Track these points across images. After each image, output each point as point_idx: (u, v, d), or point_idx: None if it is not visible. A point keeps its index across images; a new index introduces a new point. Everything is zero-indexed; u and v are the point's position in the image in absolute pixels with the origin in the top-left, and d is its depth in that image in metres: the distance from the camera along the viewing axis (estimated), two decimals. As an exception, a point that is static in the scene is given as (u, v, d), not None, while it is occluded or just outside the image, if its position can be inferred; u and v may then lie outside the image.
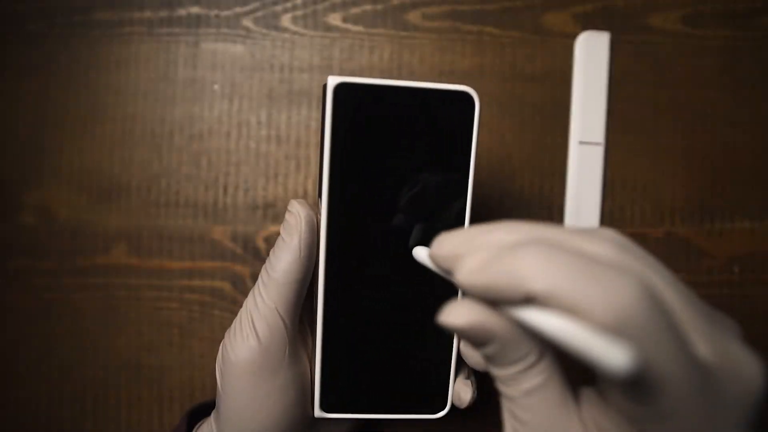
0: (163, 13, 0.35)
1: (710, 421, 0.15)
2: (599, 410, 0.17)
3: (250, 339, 0.24)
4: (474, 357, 0.26)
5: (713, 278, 0.36)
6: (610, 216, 0.36)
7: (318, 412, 0.26)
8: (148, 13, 0.35)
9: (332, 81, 0.23)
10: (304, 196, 0.35)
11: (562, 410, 0.17)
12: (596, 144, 0.36)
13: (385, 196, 0.24)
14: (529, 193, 0.36)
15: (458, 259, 0.17)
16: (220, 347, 0.26)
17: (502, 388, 0.18)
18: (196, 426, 0.29)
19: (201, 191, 0.35)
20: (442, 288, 0.25)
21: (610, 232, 0.17)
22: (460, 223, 0.25)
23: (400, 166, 0.24)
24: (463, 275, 0.17)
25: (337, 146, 0.24)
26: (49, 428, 0.35)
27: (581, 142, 0.35)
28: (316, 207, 0.26)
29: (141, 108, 0.35)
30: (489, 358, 0.18)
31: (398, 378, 0.27)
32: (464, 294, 0.21)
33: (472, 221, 0.36)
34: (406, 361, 0.26)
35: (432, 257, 0.19)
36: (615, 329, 0.14)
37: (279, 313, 0.25)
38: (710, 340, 0.16)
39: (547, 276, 0.15)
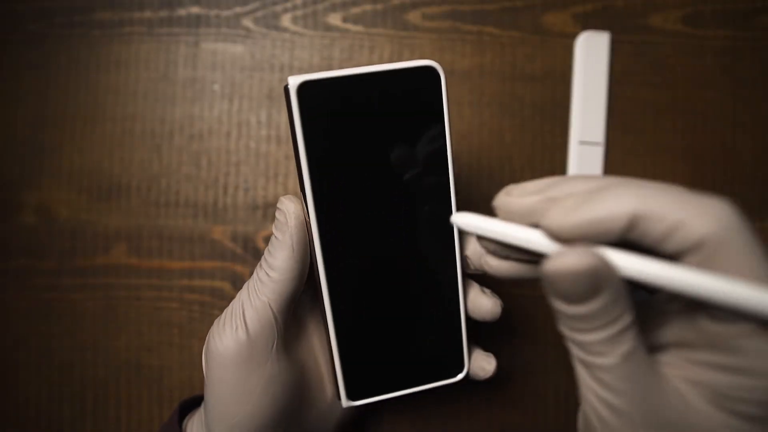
0: (163, 13, 0.35)
1: None
2: (685, 363, 0.17)
3: (239, 331, 0.25)
4: (484, 306, 0.27)
5: (713, 278, 0.36)
6: (610, 216, 0.36)
7: (345, 402, 0.27)
8: (148, 13, 0.35)
9: (293, 81, 0.22)
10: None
11: (655, 372, 0.17)
12: (596, 144, 0.36)
13: (367, 182, 0.25)
14: (529, 193, 0.36)
15: (544, 208, 0.18)
16: (207, 336, 0.26)
17: (590, 358, 0.17)
18: (187, 417, 0.29)
19: (201, 191, 0.35)
20: (438, 254, 0.26)
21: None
22: (445, 198, 0.26)
23: (377, 150, 0.24)
24: (558, 217, 0.17)
25: (311, 143, 0.24)
26: (49, 428, 0.35)
27: (581, 142, 0.35)
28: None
29: (141, 108, 0.35)
30: (585, 320, 0.16)
31: (414, 351, 0.27)
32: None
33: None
34: (418, 332, 0.27)
35: (504, 211, 0.19)
36: (716, 238, 0.15)
37: (271, 309, 0.25)
38: None
39: (647, 199, 0.16)
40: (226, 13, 0.35)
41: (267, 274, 0.25)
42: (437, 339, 0.27)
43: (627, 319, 0.16)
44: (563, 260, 0.16)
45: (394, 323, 0.27)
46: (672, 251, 0.16)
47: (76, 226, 0.35)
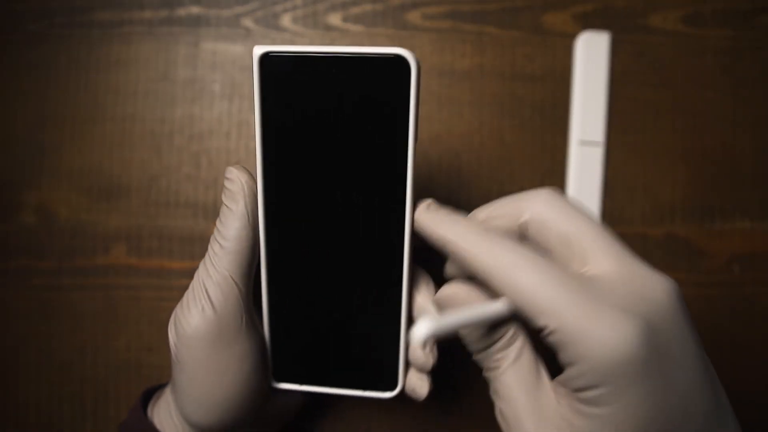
0: (163, 13, 0.35)
1: (591, 307, 0.18)
2: (562, 378, 0.20)
3: (206, 309, 0.24)
4: (416, 358, 0.26)
5: (713, 278, 0.36)
6: (610, 216, 0.36)
7: (273, 382, 0.26)
8: (148, 13, 0.35)
9: (258, 50, 0.22)
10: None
11: (535, 383, 0.20)
12: (596, 144, 0.36)
13: (319, 166, 0.24)
14: (529, 193, 0.36)
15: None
16: (172, 320, 0.25)
17: (487, 373, 0.22)
18: (151, 401, 0.29)
19: (201, 191, 0.35)
20: (386, 257, 0.25)
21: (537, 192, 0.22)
22: (399, 198, 0.24)
23: (334, 135, 0.23)
24: (420, 216, 0.24)
25: (268, 117, 0.23)
26: (49, 428, 0.35)
27: (581, 142, 0.35)
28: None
29: (141, 108, 0.35)
30: (477, 340, 0.21)
31: (348, 352, 0.26)
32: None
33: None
34: (354, 335, 0.26)
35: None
36: (492, 276, 0.20)
37: (234, 281, 0.24)
38: (608, 256, 0.20)
39: (455, 237, 0.22)
40: (226, 13, 0.35)
41: (221, 246, 0.24)
42: (373, 347, 0.26)
43: (507, 335, 0.21)
44: (445, 291, 0.23)
45: (331, 317, 0.25)
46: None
47: (76, 226, 0.35)
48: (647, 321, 0.18)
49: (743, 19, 0.36)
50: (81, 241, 0.35)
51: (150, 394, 0.29)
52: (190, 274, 0.35)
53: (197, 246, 0.35)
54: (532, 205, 0.21)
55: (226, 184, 0.25)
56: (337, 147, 0.23)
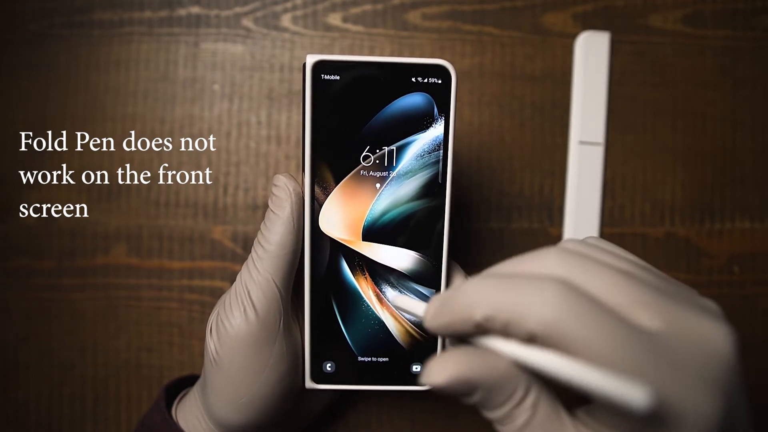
0: (163, 13, 0.35)
1: (670, 379, 0.16)
2: (589, 417, 0.18)
3: (248, 311, 0.25)
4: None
5: (713, 278, 0.36)
6: (610, 216, 0.36)
7: (309, 384, 0.27)
8: (148, 13, 0.35)
9: (310, 59, 0.24)
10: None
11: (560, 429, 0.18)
12: (596, 144, 0.36)
13: (366, 170, 0.26)
14: (529, 193, 0.36)
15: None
16: (214, 319, 0.26)
17: (498, 427, 0.19)
18: (177, 398, 0.29)
19: (201, 191, 0.35)
20: (426, 255, 0.27)
21: (556, 247, 0.19)
22: (439, 199, 0.26)
23: (379, 139, 0.25)
24: (426, 322, 0.19)
25: (318, 121, 0.25)
26: (49, 428, 0.35)
27: (581, 142, 0.35)
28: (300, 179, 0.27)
29: (141, 108, 0.35)
30: (479, 405, 0.18)
31: (387, 349, 0.27)
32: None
33: (468, 216, 0.36)
34: (393, 332, 0.27)
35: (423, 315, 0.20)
36: (547, 333, 0.16)
37: (275, 284, 0.25)
38: (657, 311, 0.17)
39: (483, 300, 0.17)
40: (226, 13, 0.35)
41: (266, 250, 0.25)
42: (412, 343, 0.27)
43: (517, 397, 0.18)
44: (426, 379, 0.18)
45: (370, 315, 0.27)
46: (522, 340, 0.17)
47: (76, 226, 0.35)
48: (726, 393, 0.17)
49: (743, 19, 0.36)
50: (81, 241, 0.35)
51: (171, 389, 0.29)
52: (190, 274, 0.35)
53: (197, 246, 0.35)
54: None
55: (274, 191, 0.26)
56: (383, 147, 0.25)
